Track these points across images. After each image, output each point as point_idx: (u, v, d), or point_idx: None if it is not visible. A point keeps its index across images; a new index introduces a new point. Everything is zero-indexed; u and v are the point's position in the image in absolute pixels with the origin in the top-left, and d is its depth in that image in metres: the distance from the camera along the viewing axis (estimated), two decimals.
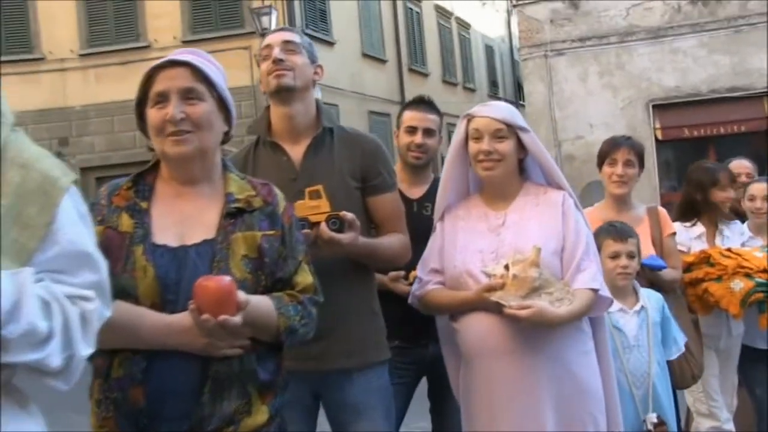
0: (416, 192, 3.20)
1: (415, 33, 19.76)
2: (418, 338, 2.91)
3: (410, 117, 3.22)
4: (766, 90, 13.31)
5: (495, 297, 2.29)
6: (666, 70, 13.70)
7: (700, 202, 3.88)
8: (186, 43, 14.87)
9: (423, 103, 3.28)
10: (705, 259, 3.64)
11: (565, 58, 14.19)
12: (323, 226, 2.22)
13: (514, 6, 15.20)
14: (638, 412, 2.98)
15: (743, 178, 4.38)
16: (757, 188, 4.00)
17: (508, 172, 2.52)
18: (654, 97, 13.75)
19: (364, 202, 2.48)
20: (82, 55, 14.75)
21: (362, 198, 2.48)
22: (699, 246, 3.76)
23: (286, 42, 2.46)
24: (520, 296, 2.28)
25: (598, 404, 2.46)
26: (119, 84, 14.78)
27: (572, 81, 14.16)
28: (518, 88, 22.21)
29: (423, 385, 3.27)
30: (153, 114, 1.87)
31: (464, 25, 22.82)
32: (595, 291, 2.42)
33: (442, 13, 21.37)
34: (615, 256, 3.05)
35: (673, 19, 13.71)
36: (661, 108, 13.73)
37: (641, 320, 3.07)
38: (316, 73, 2.54)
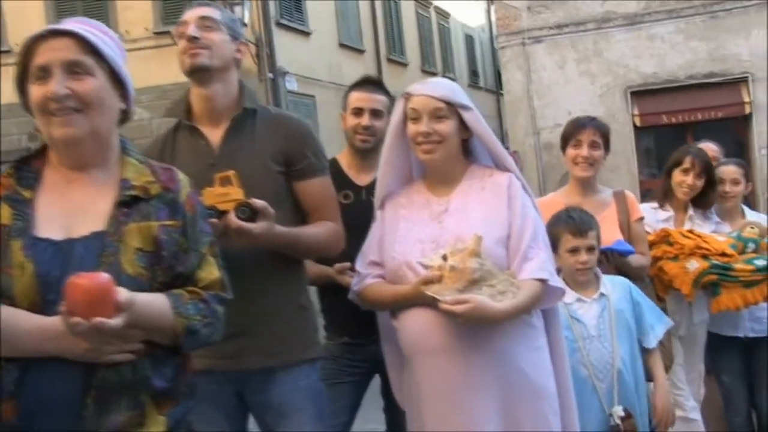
0: (365, 179, 3.03)
1: (394, 22, 19.55)
2: (369, 334, 2.75)
3: (356, 98, 3.06)
4: (743, 75, 13.26)
5: (430, 291, 2.13)
6: (643, 56, 13.60)
7: (665, 185, 3.76)
8: (158, 34, 14.61)
9: (370, 83, 3.11)
10: (665, 237, 3.51)
11: (543, 46, 14.07)
12: (231, 214, 2.05)
13: None
14: (602, 406, 2.83)
15: None
16: (726, 171, 3.86)
17: (451, 154, 2.35)
18: (632, 84, 13.66)
19: (290, 188, 2.32)
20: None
21: (288, 184, 2.31)
22: None
23: (203, 18, 2.29)
24: (458, 289, 2.12)
25: (551, 403, 2.31)
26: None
27: (550, 68, 14.04)
28: (498, 77, 22.06)
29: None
30: (34, 90, 1.69)
31: (443, 15, 22.63)
32: (544, 281, 2.27)
33: (421, 2, 21.17)
34: (574, 250, 2.91)
35: (649, 6, 13.60)
36: (639, 94, 13.64)
37: (601, 308, 2.91)
38: (238, 51, 2.37)
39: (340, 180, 3.02)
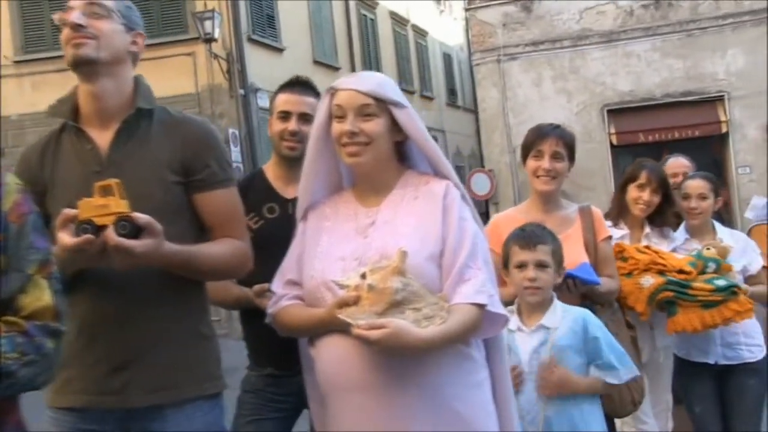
0: (292, 191, 2.70)
1: (370, 40, 19.37)
2: (296, 364, 2.41)
3: (283, 100, 2.75)
4: (719, 94, 13.17)
5: (343, 314, 1.82)
6: (620, 74, 13.50)
7: (616, 193, 3.51)
8: (151, 46, 14.28)
9: (298, 84, 2.80)
10: (619, 253, 3.24)
11: (518, 63, 13.92)
12: (110, 230, 1.74)
13: (467, 10, 14.90)
14: None
15: (680, 178, 3.98)
16: (692, 186, 3.58)
17: (381, 158, 2.05)
18: (608, 102, 13.55)
19: (189, 200, 2.01)
20: (17, 62, 14.10)
21: (187, 196, 2.00)
22: None
23: (90, 4, 1.98)
24: (376, 312, 1.81)
25: None
26: (57, 92, 14.03)
27: (526, 86, 13.90)
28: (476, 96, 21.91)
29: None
30: None
31: (421, 33, 22.48)
32: (482, 307, 1.94)
33: (398, 20, 21.00)
34: (522, 265, 2.60)
35: (626, 23, 13.51)
36: (615, 113, 13.53)
37: (539, 342, 2.57)
38: (134, 43, 2.06)
39: (266, 192, 2.73)
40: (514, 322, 2.61)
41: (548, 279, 2.60)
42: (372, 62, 19.41)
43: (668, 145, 13.21)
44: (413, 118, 2.05)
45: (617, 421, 3.39)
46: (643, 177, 3.42)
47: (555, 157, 2.97)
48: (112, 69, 1.99)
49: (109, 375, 1.85)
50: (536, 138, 3.02)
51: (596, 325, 2.63)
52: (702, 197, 3.53)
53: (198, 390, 1.95)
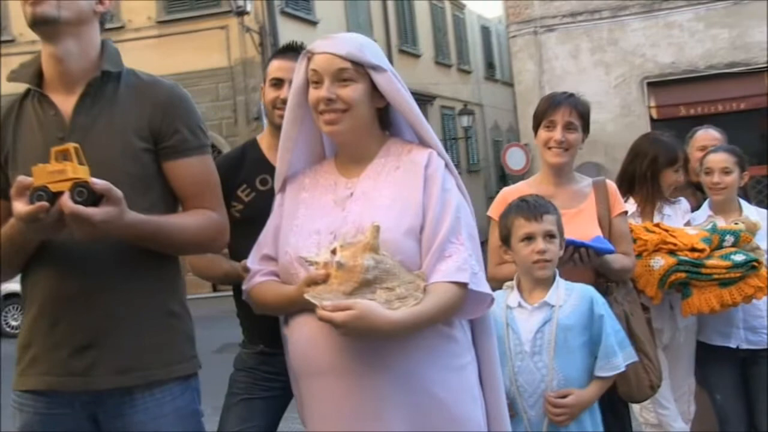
0: None
1: (406, 12, 19.10)
2: None
3: (276, 67, 2.62)
4: (766, 65, 12.64)
5: (309, 294, 1.70)
6: (661, 45, 13.04)
7: (642, 177, 3.30)
8: (161, 23, 14.35)
9: (291, 50, 2.66)
10: None
11: (556, 35, 13.55)
12: (65, 196, 1.63)
13: None
14: None
15: None
16: (714, 160, 3.36)
17: (360, 126, 1.92)
18: (648, 74, 13.11)
19: (159, 169, 1.89)
20: None
21: (156, 164, 1.89)
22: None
23: None
24: (344, 292, 1.69)
25: None
26: None
27: (563, 58, 13.53)
28: None
29: None
30: None
31: (459, 5, 22.13)
32: (463, 285, 1.81)
33: None
34: (528, 238, 2.42)
35: None
36: (656, 85, 13.09)
37: (542, 320, 2.42)
38: (100, 2, 1.94)
39: (259, 163, 2.61)
40: (514, 298, 2.47)
41: (556, 251, 2.44)
42: (408, 35, 19.17)
43: (711, 119, 12.81)
44: (394, 83, 1.91)
45: (636, 407, 3.24)
46: (682, 159, 3.25)
47: (568, 127, 2.80)
48: (75, 30, 1.87)
49: (72, 356, 1.76)
50: (548, 107, 2.85)
51: (601, 303, 2.48)
52: (725, 171, 3.31)
53: (168, 372, 1.85)
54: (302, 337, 1.84)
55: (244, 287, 2.01)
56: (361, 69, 1.88)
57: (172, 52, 13.99)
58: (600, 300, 2.49)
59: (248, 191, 2.54)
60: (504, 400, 1.98)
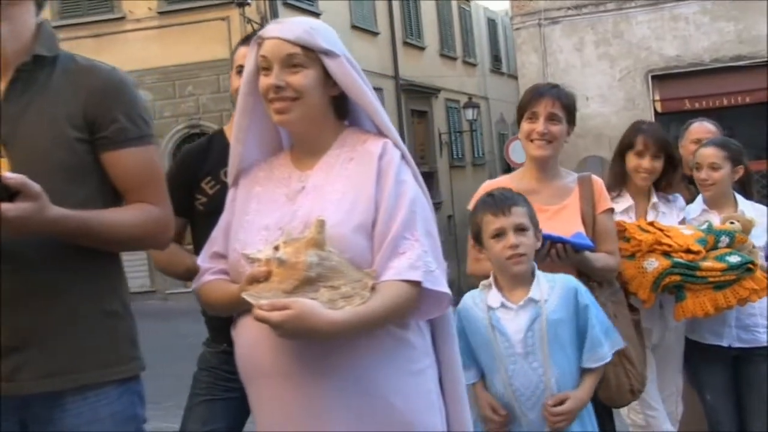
0: None
1: (410, 4, 18.96)
2: None
3: (242, 54, 2.52)
4: None
5: (246, 293, 1.62)
6: (666, 38, 12.91)
7: (612, 161, 3.21)
8: (162, 14, 14.26)
9: None
10: (620, 233, 2.93)
11: (560, 27, 13.43)
12: None
13: None
14: None
15: None
16: (702, 155, 3.24)
17: (313, 115, 1.82)
18: (653, 68, 12.99)
19: (97, 160, 1.79)
20: (53, 28, 14.14)
21: (94, 155, 1.78)
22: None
23: None
24: (285, 290, 1.60)
25: None
26: (92, 58, 14.24)
27: (567, 51, 13.41)
28: None
29: None
30: None
31: None
32: (416, 284, 1.69)
33: None
34: (498, 234, 2.31)
35: None
36: (660, 79, 12.97)
37: (530, 318, 2.32)
38: None
39: (224, 155, 2.48)
40: (495, 298, 2.38)
41: (530, 244, 2.34)
42: (413, 27, 19.04)
43: (716, 113, 12.68)
44: (348, 69, 1.81)
45: (624, 409, 3.15)
46: (639, 143, 3.11)
47: (551, 119, 2.70)
48: (6, 11, 1.76)
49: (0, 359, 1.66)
50: (531, 98, 2.75)
51: (584, 292, 2.40)
52: (713, 167, 3.19)
53: (103, 375, 1.74)
54: (247, 339, 1.76)
55: (192, 286, 1.93)
56: (312, 54, 1.77)
57: (173, 44, 13.92)
58: (583, 289, 2.41)
59: (213, 183, 2.46)
60: (466, 405, 1.88)
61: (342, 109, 1.89)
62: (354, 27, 16.44)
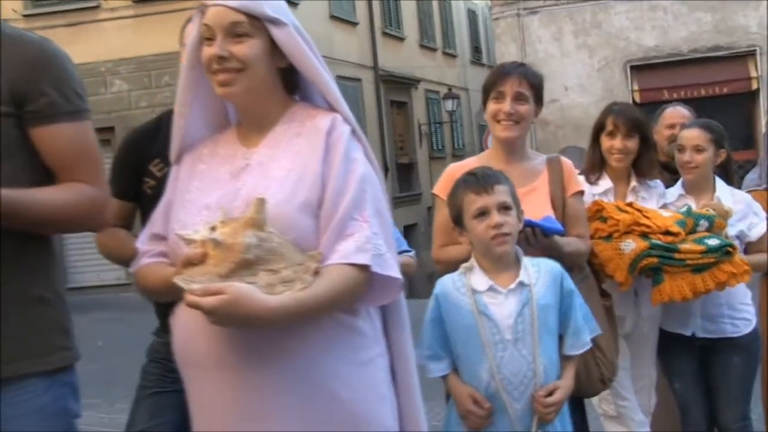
0: None
1: None
2: None
3: (190, 32, 2.42)
4: (750, 49, 12.53)
5: (178, 277, 1.52)
6: (645, 28, 12.91)
7: (596, 154, 3.13)
8: (137, 3, 14.03)
9: None
10: (598, 212, 2.86)
11: (539, 17, 13.39)
12: None
13: None
14: None
15: (677, 130, 3.57)
16: (686, 136, 3.17)
17: (259, 87, 1.72)
18: (632, 58, 12.99)
19: (25, 136, 1.68)
20: (26, 16, 13.88)
21: (22, 130, 1.68)
22: None
23: None
24: (220, 274, 1.51)
25: None
26: (67, 47, 13.96)
27: (546, 41, 13.37)
28: None
29: None
30: None
31: None
32: (364, 268, 1.59)
33: None
34: (482, 213, 2.21)
35: None
36: (639, 69, 12.98)
37: (521, 303, 2.22)
38: None
39: None
40: (481, 281, 2.27)
41: (515, 223, 2.24)
42: (392, 17, 18.91)
43: (695, 103, 12.67)
44: (296, 40, 1.71)
45: (594, 399, 3.09)
46: (610, 124, 3.05)
47: (517, 99, 2.61)
48: None
49: None
50: (497, 77, 2.66)
51: (569, 277, 2.34)
52: (698, 149, 3.12)
53: (28, 366, 1.63)
54: (182, 327, 1.66)
55: (130, 269, 1.83)
56: (257, 23, 1.68)
57: (148, 33, 13.68)
58: (566, 274, 2.34)
59: (161, 166, 2.34)
60: (418, 396, 1.80)
61: (291, 82, 1.80)
62: (333, 17, 16.28)
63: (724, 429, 3.08)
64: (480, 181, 2.24)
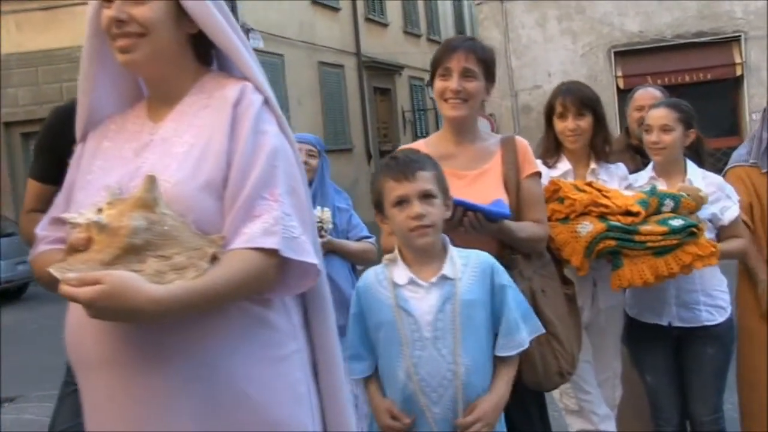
0: None
1: None
2: None
3: None
4: (735, 35, 12.39)
5: (54, 266, 1.35)
6: (629, 14, 12.75)
7: (552, 137, 2.99)
8: None
9: None
10: (554, 193, 2.69)
11: (523, 3, 13.21)
12: None
13: None
14: None
15: (647, 111, 3.42)
16: (653, 116, 3.00)
17: (164, 55, 1.57)
18: (616, 43, 12.83)
19: None
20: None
21: None
22: None
23: None
24: (103, 261, 1.35)
25: None
26: (43, 32, 13.73)
27: (529, 27, 13.19)
28: None
29: None
30: None
31: None
32: (272, 253, 1.44)
33: None
34: (401, 201, 2.03)
35: None
36: (623, 55, 12.82)
37: (442, 298, 2.03)
38: None
39: None
40: (402, 274, 2.09)
41: (437, 213, 2.04)
42: (376, 3, 18.68)
43: (679, 89, 12.55)
44: (205, 3, 1.55)
45: (556, 393, 2.94)
46: (559, 105, 2.91)
47: (465, 75, 2.44)
48: None
49: None
50: (443, 54, 2.48)
51: (502, 272, 2.12)
52: (665, 129, 2.96)
53: None
54: (71, 322, 1.50)
55: (29, 257, 1.67)
56: None
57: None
58: (500, 268, 2.13)
59: None
60: (346, 399, 1.64)
61: (206, 52, 1.64)
62: (315, 2, 16.06)
63: (696, 422, 2.95)
64: (401, 166, 2.05)
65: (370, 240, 3.59)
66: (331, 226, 3.36)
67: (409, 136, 19.60)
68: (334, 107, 16.26)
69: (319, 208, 3.35)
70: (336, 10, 16.95)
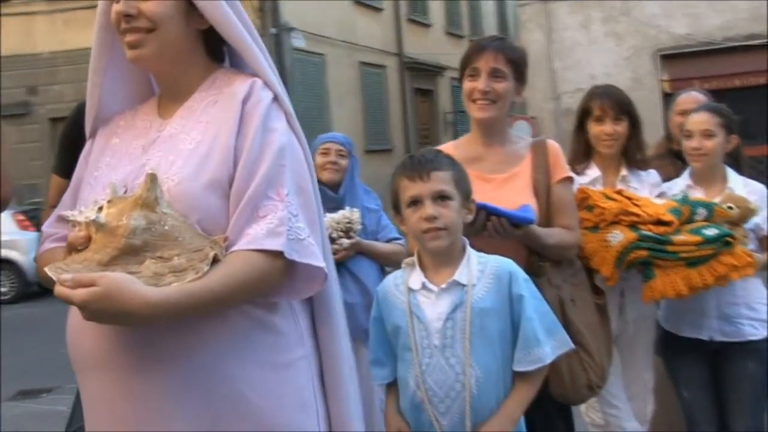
0: None
1: None
2: None
3: None
4: None
5: (50, 266, 1.31)
6: (676, 15, 12.44)
7: (582, 142, 2.90)
8: None
9: None
10: (583, 201, 2.60)
11: (567, 4, 12.99)
12: None
13: None
14: None
15: None
16: (694, 121, 2.89)
17: (173, 50, 1.54)
18: (662, 46, 12.53)
19: None
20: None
21: None
22: None
23: None
24: (101, 261, 1.30)
25: None
26: (88, 29, 13.92)
27: (573, 28, 12.97)
28: None
29: None
30: None
31: None
32: (277, 255, 1.39)
33: None
34: (414, 202, 1.96)
35: None
36: (669, 58, 12.51)
37: (453, 304, 1.94)
38: None
39: None
40: (416, 278, 2.01)
41: (452, 216, 1.95)
42: (418, 3, 18.61)
43: (728, 94, 12.23)
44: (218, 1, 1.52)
45: (582, 407, 2.84)
46: (596, 108, 2.81)
47: (494, 75, 2.37)
48: None
49: None
50: (471, 53, 2.43)
51: (522, 281, 2.00)
52: (707, 135, 2.84)
53: None
54: (72, 322, 1.47)
55: (35, 255, 1.65)
56: None
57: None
58: (520, 276, 2.00)
59: None
60: (350, 401, 1.57)
61: (217, 48, 1.61)
62: (357, 3, 16.05)
63: None
64: (416, 165, 1.97)
65: (399, 241, 3.53)
66: (360, 226, 3.31)
67: (449, 138, 19.43)
68: (374, 107, 16.24)
69: (348, 208, 3.30)
70: (379, 10, 16.93)
